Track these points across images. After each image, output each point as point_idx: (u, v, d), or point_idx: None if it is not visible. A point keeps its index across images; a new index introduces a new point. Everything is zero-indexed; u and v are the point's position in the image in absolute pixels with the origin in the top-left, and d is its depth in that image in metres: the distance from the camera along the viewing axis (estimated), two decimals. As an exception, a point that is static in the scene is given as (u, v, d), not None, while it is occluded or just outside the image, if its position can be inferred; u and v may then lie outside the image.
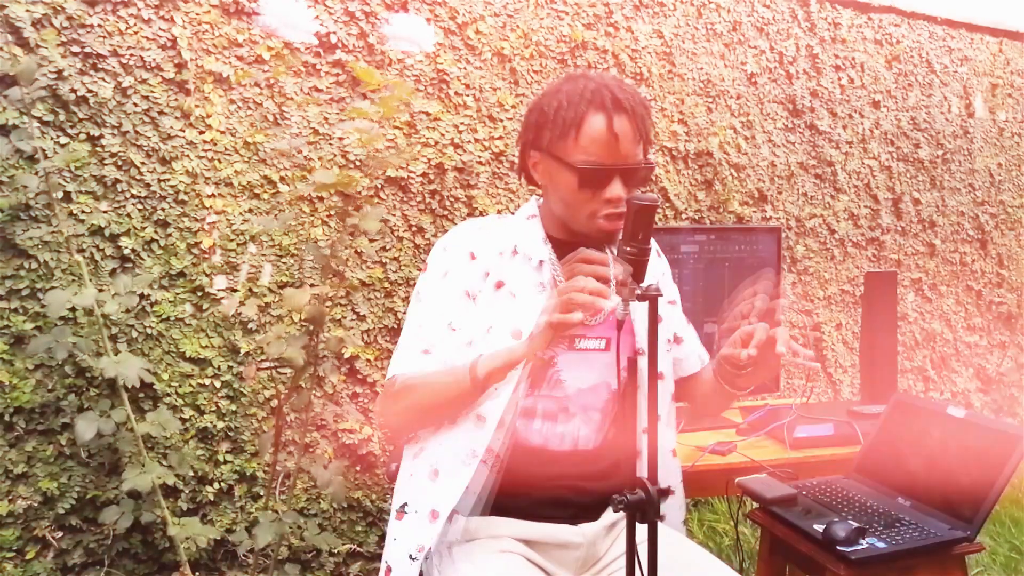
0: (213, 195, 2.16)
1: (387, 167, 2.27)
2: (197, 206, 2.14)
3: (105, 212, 2.03)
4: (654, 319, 1.05)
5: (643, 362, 1.33)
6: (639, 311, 1.38)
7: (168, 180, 2.10)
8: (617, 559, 1.35)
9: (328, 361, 2.25)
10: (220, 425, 2.16)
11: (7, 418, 1.93)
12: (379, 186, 2.36)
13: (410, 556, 1.28)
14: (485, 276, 1.36)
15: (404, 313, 2.36)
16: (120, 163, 2.05)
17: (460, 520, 1.34)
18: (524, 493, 1.33)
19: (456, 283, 1.37)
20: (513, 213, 1.54)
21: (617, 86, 1.32)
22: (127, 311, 2.03)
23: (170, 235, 2.11)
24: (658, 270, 1.53)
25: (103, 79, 2.02)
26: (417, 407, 1.33)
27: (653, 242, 1.54)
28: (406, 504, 1.33)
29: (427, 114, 2.41)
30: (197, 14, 2.12)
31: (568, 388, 1.37)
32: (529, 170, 1.41)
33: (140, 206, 2.07)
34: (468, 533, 1.33)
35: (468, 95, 2.50)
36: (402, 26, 1.70)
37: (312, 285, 2.19)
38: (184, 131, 2.12)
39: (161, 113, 2.09)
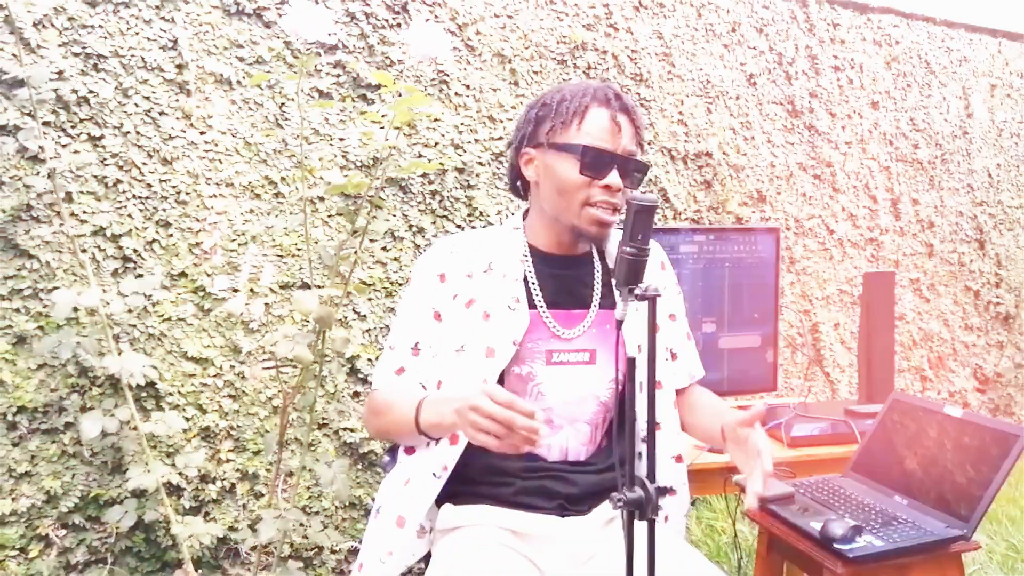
0: (214, 195, 2.17)
1: (403, 174, 2.29)
2: (198, 206, 2.15)
3: (106, 212, 2.04)
4: (653, 319, 1.06)
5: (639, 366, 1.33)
6: (633, 317, 1.38)
7: (169, 180, 2.11)
8: (614, 557, 1.35)
9: (334, 361, 2.26)
10: (222, 424, 2.18)
11: (10, 417, 1.94)
12: (379, 186, 2.37)
13: (380, 559, 1.31)
14: (454, 297, 1.40)
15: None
16: (121, 163, 2.06)
17: (447, 508, 1.36)
18: (509, 481, 1.34)
19: (425, 303, 1.41)
20: (513, 214, 1.56)
21: (616, 88, 1.40)
22: (129, 311, 2.04)
23: (171, 235, 2.12)
24: (662, 280, 1.54)
25: (104, 79, 2.02)
26: (386, 431, 1.41)
27: (663, 253, 1.55)
28: (381, 508, 1.37)
29: (426, 115, 2.42)
30: (198, 15, 2.13)
31: (551, 400, 1.38)
32: (521, 169, 1.42)
33: (141, 206, 2.08)
34: (452, 521, 1.34)
35: (468, 96, 2.50)
36: (419, 34, 1.71)
37: (318, 287, 2.20)
38: (185, 131, 2.13)
39: (162, 113, 2.10)
